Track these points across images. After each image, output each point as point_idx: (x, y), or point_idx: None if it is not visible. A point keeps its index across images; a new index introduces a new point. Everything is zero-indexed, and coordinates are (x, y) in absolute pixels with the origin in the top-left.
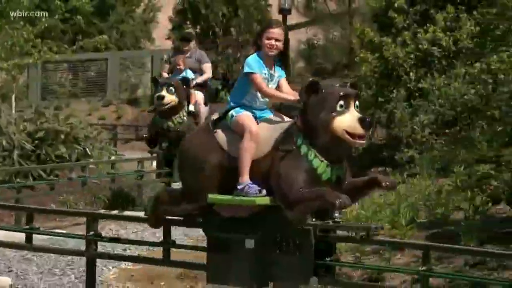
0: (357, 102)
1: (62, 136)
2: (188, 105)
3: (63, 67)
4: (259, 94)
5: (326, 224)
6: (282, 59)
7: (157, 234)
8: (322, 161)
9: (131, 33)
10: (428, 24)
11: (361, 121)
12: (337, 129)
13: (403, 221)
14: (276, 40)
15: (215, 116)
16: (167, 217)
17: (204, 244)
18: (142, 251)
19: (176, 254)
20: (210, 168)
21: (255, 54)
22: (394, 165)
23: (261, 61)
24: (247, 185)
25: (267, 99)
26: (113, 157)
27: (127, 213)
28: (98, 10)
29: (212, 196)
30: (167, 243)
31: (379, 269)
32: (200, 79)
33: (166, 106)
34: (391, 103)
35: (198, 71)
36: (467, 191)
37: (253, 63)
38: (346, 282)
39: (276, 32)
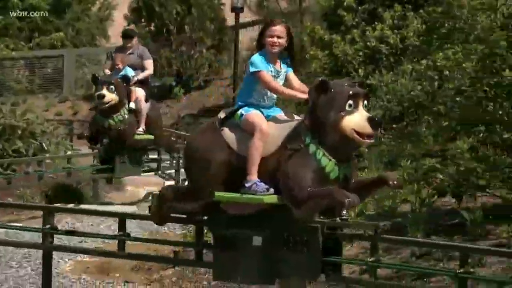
0: (365, 102)
1: (19, 131)
2: (128, 103)
3: (19, 64)
4: (266, 92)
5: (334, 221)
6: (289, 54)
7: (113, 227)
8: (330, 160)
9: (87, 30)
10: (376, 22)
11: (370, 120)
12: (346, 128)
13: (352, 213)
14: (278, 37)
15: (222, 115)
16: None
17: (158, 237)
18: (98, 243)
19: (131, 247)
20: (217, 166)
21: (258, 53)
22: None
23: (265, 59)
24: (255, 183)
25: (274, 97)
26: (69, 152)
27: (83, 206)
28: (54, 8)
29: (219, 194)
30: (122, 236)
31: (330, 260)
32: (141, 76)
33: (107, 105)
34: None
35: (140, 68)
36: (413, 184)
37: (257, 61)
38: (353, 279)
39: (278, 29)
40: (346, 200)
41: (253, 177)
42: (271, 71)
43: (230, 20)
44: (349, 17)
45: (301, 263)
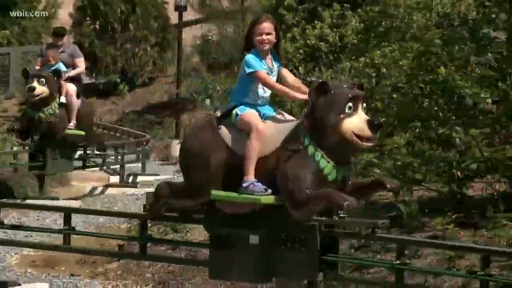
0: (364, 104)
1: None
2: (59, 97)
3: None
4: (260, 91)
5: (331, 219)
6: (276, 49)
7: (58, 222)
8: (328, 162)
9: (33, 28)
10: (315, 21)
11: (370, 123)
12: (346, 130)
13: None
14: (267, 34)
15: (218, 113)
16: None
17: (103, 231)
18: (44, 237)
19: (76, 241)
20: (214, 164)
21: (251, 52)
22: None
23: (258, 58)
24: (252, 183)
25: (268, 95)
26: (15, 148)
27: (28, 201)
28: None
29: (216, 193)
30: (67, 230)
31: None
32: (73, 73)
33: (37, 98)
34: None
35: (71, 66)
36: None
37: (252, 61)
38: (350, 278)
39: (266, 26)
40: (344, 203)
41: (251, 177)
42: (265, 69)
43: (173, 18)
44: (289, 16)
45: (299, 262)
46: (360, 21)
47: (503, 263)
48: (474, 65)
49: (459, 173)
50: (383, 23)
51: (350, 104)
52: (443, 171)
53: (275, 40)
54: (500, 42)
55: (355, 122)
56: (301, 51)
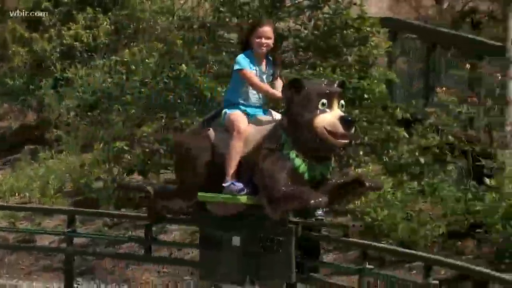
0: (342, 101)
1: None
2: None
3: None
4: (251, 91)
5: (309, 222)
6: (272, 53)
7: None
8: (304, 160)
9: None
10: (71, 23)
11: (342, 120)
12: (318, 127)
13: (51, 190)
14: (267, 38)
15: (208, 115)
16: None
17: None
18: None
19: None
20: (202, 166)
21: (243, 52)
22: (44, 143)
23: (249, 59)
24: (232, 183)
25: (260, 97)
26: None
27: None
28: None
29: (201, 194)
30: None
31: (31, 231)
32: None
33: None
34: (41, 90)
35: None
36: (106, 164)
37: (241, 60)
38: (325, 282)
39: (266, 30)
40: (312, 201)
41: (231, 177)
42: (255, 70)
43: None
44: (46, 18)
45: (276, 263)
46: (111, 23)
47: None
48: (211, 63)
49: None
50: (131, 26)
51: (323, 100)
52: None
53: (272, 45)
54: (233, 44)
55: (328, 118)
56: (58, 49)
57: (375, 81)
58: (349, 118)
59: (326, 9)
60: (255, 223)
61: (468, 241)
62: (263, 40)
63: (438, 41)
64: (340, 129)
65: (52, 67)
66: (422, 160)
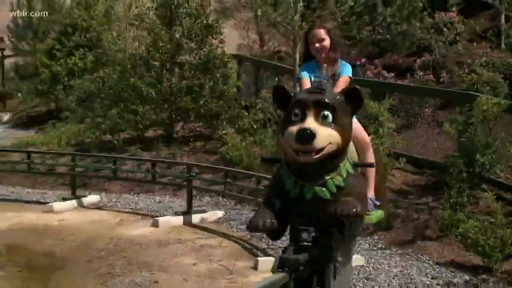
0: (325, 112)
1: None
2: None
3: None
4: None
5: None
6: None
7: None
8: (289, 177)
9: None
10: (71, 56)
11: (297, 133)
12: (283, 142)
13: (63, 143)
14: (319, 40)
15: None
16: None
17: None
18: None
19: None
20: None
21: (304, 63)
22: (59, 119)
23: (310, 67)
24: None
25: None
26: None
27: None
28: None
29: None
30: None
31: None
32: None
33: None
34: (56, 91)
35: None
36: (91, 129)
37: (301, 70)
38: None
39: (316, 33)
40: (248, 223)
41: None
42: (317, 76)
43: None
44: (59, 52)
45: None
46: (93, 56)
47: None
48: (146, 77)
49: (140, 125)
50: (104, 57)
51: (296, 110)
52: (134, 121)
53: (329, 45)
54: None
55: (289, 131)
56: (65, 70)
57: (231, 86)
58: (306, 132)
59: (205, 48)
60: None
61: None
62: (317, 44)
63: (261, 66)
64: (294, 144)
65: (62, 79)
66: (255, 126)
